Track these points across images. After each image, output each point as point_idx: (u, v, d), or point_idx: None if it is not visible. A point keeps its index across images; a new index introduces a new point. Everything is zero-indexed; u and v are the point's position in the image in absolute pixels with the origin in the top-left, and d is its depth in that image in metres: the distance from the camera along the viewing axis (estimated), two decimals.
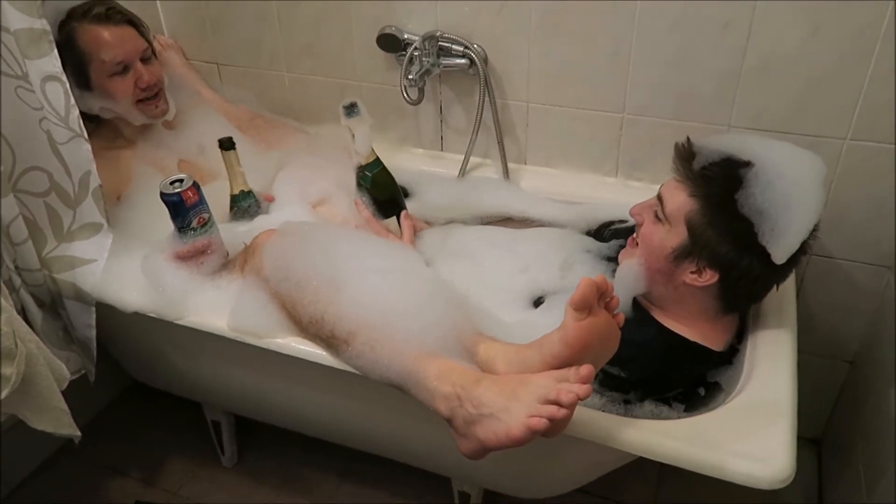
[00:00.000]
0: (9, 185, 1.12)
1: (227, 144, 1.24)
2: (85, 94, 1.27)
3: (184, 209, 1.06)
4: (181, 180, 1.07)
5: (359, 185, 1.24)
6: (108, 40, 1.25)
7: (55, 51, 1.03)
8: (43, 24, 1.01)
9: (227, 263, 1.17)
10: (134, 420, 1.69)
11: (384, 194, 1.25)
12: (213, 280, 1.15)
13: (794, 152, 1.03)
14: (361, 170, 1.22)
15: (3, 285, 1.00)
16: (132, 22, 1.30)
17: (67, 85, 1.05)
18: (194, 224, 1.08)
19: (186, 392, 1.46)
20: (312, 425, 1.33)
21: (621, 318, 0.87)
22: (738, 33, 1.21)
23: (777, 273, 0.99)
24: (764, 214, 0.95)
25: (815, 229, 0.98)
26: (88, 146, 1.11)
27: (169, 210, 1.07)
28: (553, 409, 0.76)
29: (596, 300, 0.81)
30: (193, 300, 1.13)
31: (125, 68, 1.28)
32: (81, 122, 1.08)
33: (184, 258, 1.10)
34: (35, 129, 1.13)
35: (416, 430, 1.14)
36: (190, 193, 1.06)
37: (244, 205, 1.28)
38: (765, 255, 0.96)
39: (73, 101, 1.06)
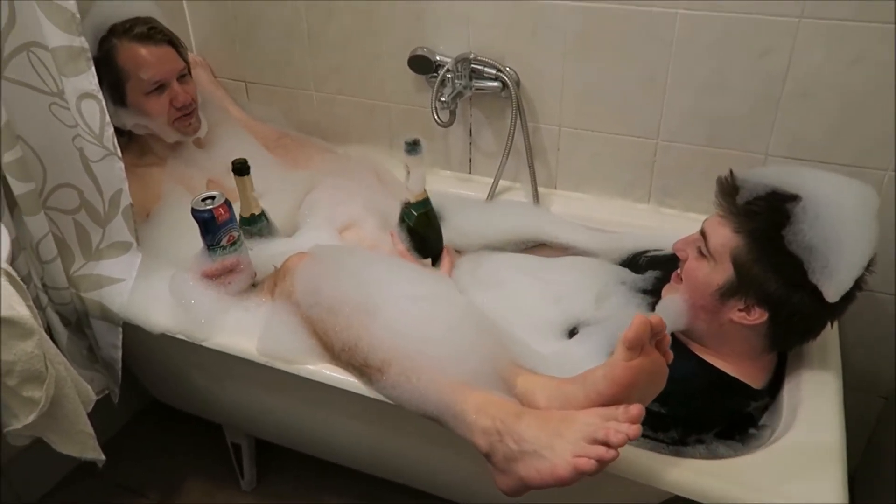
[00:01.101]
0: (39, 203, 1.12)
1: (242, 170, 1.17)
2: (119, 110, 1.27)
3: (215, 226, 1.05)
4: (213, 197, 1.06)
5: (402, 220, 1.21)
6: (148, 59, 1.25)
7: (92, 68, 1.02)
8: (82, 42, 1.00)
9: (256, 285, 1.16)
10: (152, 440, 1.66)
11: (426, 235, 1.22)
12: (241, 302, 1.13)
13: (843, 183, 0.99)
14: (408, 207, 1.19)
15: (36, 305, 0.99)
16: (172, 42, 1.31)
17: (103, 103, 1.04)
18: (224, 242, 1.07)
19: (208, 413, 1.44)
20: (336, 451, 1.30)
21: (671, 356, 0.84)
22: (777, 60, 1.19)
23: (830, 311, 0.96)
24: (814, 250, 0.92)
25: (871, 264, 0.95)
26: (121, 164, 1.10)
27: (200, 227, 1.06)
28: (601, 450, 0.73)
29: (648, 339, 0.79)
30: (221, 322, 1.12)
31: (162, 87, 1.28)
32: (115, 140, 1.07)
33: (212, 276, 1.09)
34: (68, 147, 1.12)
35: (446, 462, 1.11)
36: (221, 210, 1.05)
37: (255, 228, 1.24)
38: (816, 293, 0.93)
39: (108, 118, 1.06)
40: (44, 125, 1.09)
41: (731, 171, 1.02)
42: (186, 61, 1.33)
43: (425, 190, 1.19)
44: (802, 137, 1.24)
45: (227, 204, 1.06)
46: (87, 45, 1.01)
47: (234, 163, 1.16)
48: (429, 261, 1.21)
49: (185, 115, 1.32)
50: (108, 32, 1.25)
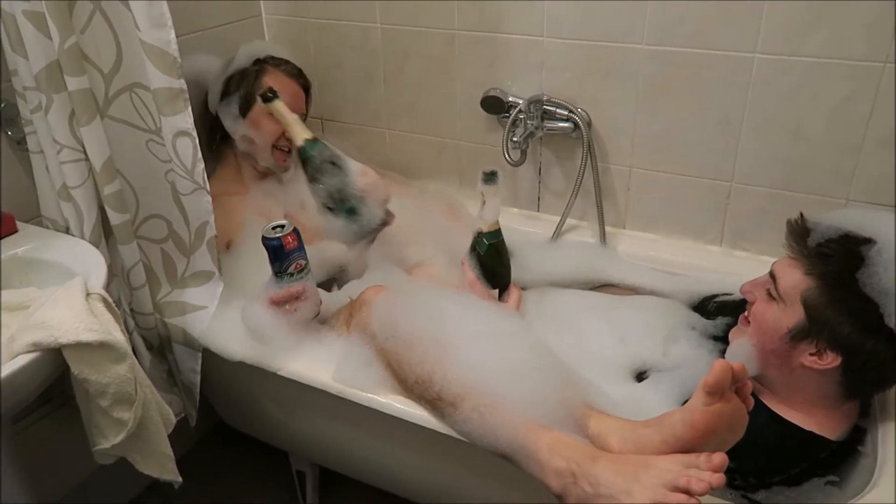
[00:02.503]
0: (132, 232, 1.18)
1: (267, 96, 1.25)
2: (239, 119, 1.39)
3: (283, 254, 1.08)
4: (282, 226, 1.09)
5: (473, 249, 1.22)
6: (288, 88, 1.42)
7: (189, 108, 1.09)
8: (181, 84, 1.07)
9: (327, 318, 1.19)
10: (218, 463, 1.70)
11: (496, 265, 1.22)
12: (316, 334, 1.16)
13: None
14: (480, 236, 1.20)
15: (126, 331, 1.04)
16: (307, 89, 1.49)
17: (197, 140, 1.10)
18: (291, 269, 1.10)
19: (275, 440, 1.47)
20: (400, 484, 1.31)
21: (751, 403, 0.82)
22: (860, 106, 1.18)
23: None
24: (890, 294, 0.90)
25: None
26: (209, 198, 1.16)
27: (269, 254, 1.09)
28: (682, 498, 0.72)
29: (729, 385, 0.78)
30: (295, 352, 1.15)
31: None
32: (205, 175, 1.13)
33: (278, 303, 1.11)
34: (160, 180, 1.19)
35: (512, 501, 1.10)
36: (290, 239, 1.08)
37: (313, 153, 1.20)
38: (892, 337, 0.90)
39: (199, 155, 1.12)
40: (141, 160, 1.17)
41: (802, 214, 1.01)
42: (308, 111, 1.51)
43: (498, 221, 1.20)
44: (884, 184, 1.21)
45: (296, 233, 1.10)
46: (185, 87, 1.08)
47: (260, 94, 1.25)
48: (496, 292, 1.22)
49: (286, 150, 1.43)
50: (264, 58, 1.44)
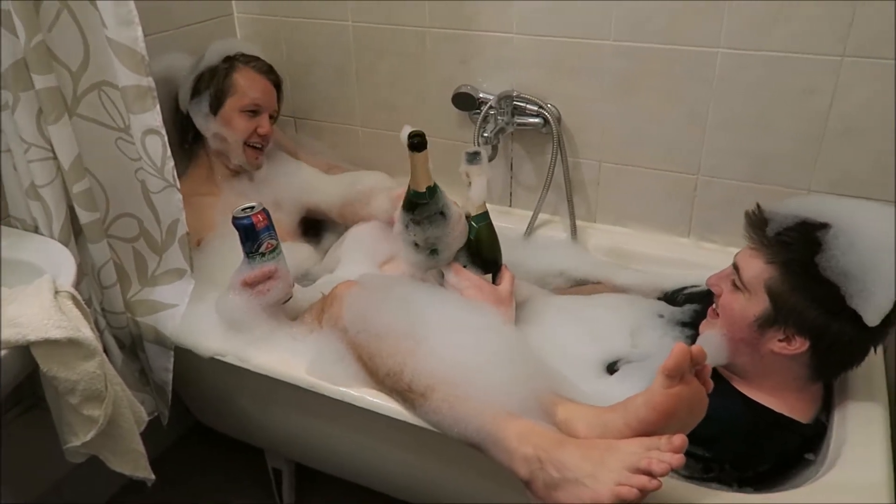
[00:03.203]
0: (102, 231, 1.18)
1: (415, 144, 1.05)
2: (210, 116, 1.40)
3: (254, 233, 1.08)
4: (252, 206, 1.10)
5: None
6: (259, 85, 1.43)
7: (157, 107, 1.09)
8: (149, 82, 1.07)
9: (300, 314, 1.19)
10: (194, 462, 1.70)
11: (486, 248, 1.18)
12: (288, 329, 1.17)
13: (871, 209, 1.01)
14: (468, 219, 1.15)
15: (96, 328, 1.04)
16: (279, 86, 1.49)
17: (166, 138, 1.11)
18: (263, 249, 1.10)
19: (251, 438, 1.47)
20: (377, 478, 1.32)
21: (710, 385, 0.84)
22: (820, 99, 1.21)
23: (872, 335, 0.95)
24: (849, 276, 0.92)
25: None
26: (180, 196, 1.16)
27: (240, 234, 1.09)
28: (644, 480, 0.74)
29: (688, 368, 0.80)
30: (267, 346, 1.15)
31: (255, 112, 1.42)
32: (175, 173, 1.13)
33: (251, 284, 1.11)
34: (131, 178, 1.19)
35: (486, 490, 1.12)
36: (260, 217, 1.09)
37: (430, 200, 1.06)
38: (856, 318, 0.93)
39: (169, 153, 1.12)
40: (110, 158, 1.16)
41: (758, 205, 1.03)
42: (279, 109, 1.51)
43: (485, 203, 1.16)
44: (846, 174, 1.24)
45: (266, 212, 1.10)
46: (153, 85, 1.08)
47: (411, 137, 1.05)
48: (489, 276, 1.18)
49: (259, 147, 1.44)
50: (234, 55, 1.43)
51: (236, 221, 1.08)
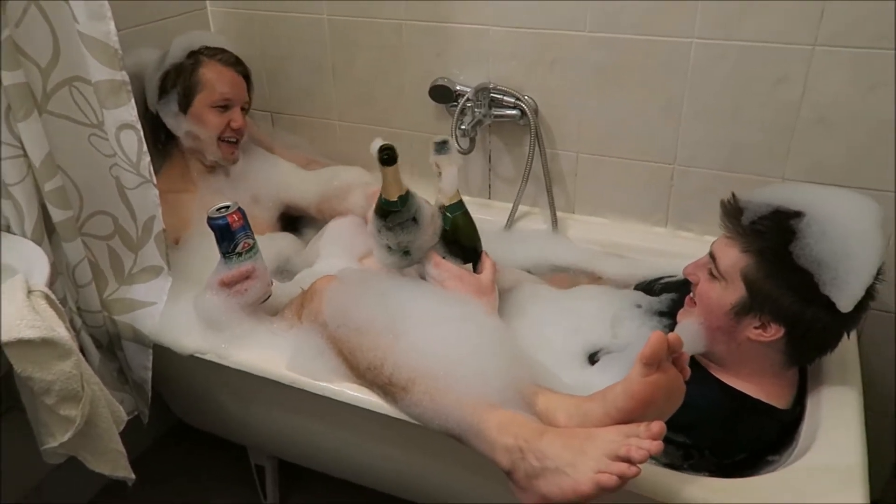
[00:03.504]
0: (76, 229, 1.16)
1: (390, 159, 1.04)
2: (181, 115, 1.37)
3: (230, 233, 1.08)
4: (227, 206, 1.09)
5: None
6: (227, 79, 1.39)
7: (132, 101, 1.08)
8: (123, 76, 1.05)
9: (279, 309, 1.19)
10: (176, 462, 1.69)
11: (463, 237, 1.17)
12: (268, 325, 1.16)
13: (843, 197, 1.02)
14: (443, 210, 1.15)
15: (71, 327, 1.02)
16: (247, 77, 1.45)
17: (141, 133, 1.09)
18: (239, 249, 1.09)
19: (233, 435, 1.46)
20: (360, 472, 1.32)
21: (687, 372, 0.85)
22: (792, 88, 1.22)
23: (845, 321, 0.97)
24: (822, 264, 0.94)
25: (880, 272, 0.96)
26: (156, 192, 1.15)
27: (216, 234, 1.08)
28: (623, 467, 0.74)
29: (665, 356, 0.81)
30: (247, 343, 1.14)
31: (226, 107, 1.39)
32: (151, 168, 1.12)
33: (229, 284, 1.10)
34: (104, 175, 1.17)
35: (470, 482, 1.12)
36: (236, 217, 1.08)
37: (402, 209, 1.06)
38: (830, 305, 0.94)
39: (145, 148, 1.11)
40: (83, 155, 1.14)
41: (734, 194, 1.04)
42: (251, 99, 1.46)
43: (458, 191, 1.15)
44: (818, 162, 1.26)
45: (241, 212, 1.09)
46: (127, 79, 1.06)
47: (381, 152, 1.04)
48: (470, 266, 1.17)
49: (233, 141, 1.42)
50: (198, 49, 1.39)
51: (212, 222, 1.07)
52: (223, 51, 1.42)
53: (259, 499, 1.55)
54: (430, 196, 1.14)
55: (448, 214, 1.15)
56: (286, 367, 1.10)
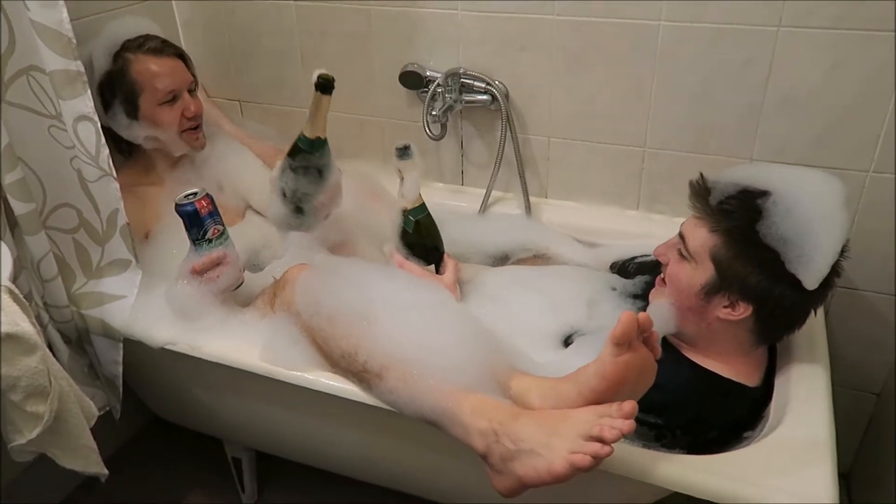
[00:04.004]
0: (39, 222, 1.14)
1: (326, 86, 1.09)
2: (133, 123, 1.30)
3: (199, 219, 1.06)
4: (195, 193, 1.07)
5: (402, 229, 1.20)
6: (161, 71, 1.29)
7: (88, 92, 1.05)
8: (78, 66, 1.03)
9: (251, 300, 1.17)
10: (153, 457, 1.67)
11: (426, 241, 1.20)
12: (240, 315, 1.15)
13: (808, 176, 1.04)
14: (406, 213, 1.17)
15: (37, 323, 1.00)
16: (182, 56, 1.35)
17: (99, 125, 1.07)
18: (209, 235, 1.08)
19: (208, 429, 1.45)
20: (338, 462, 1.32)
21: (658, 351, 0.86)
22: (758, 70, 1.23)
23: (812, 298, 0.99)
24: (788, 242, 0.95)
25: (845, 250, 0.98)
26: (117, 185, 1.13)
27: (184, 222, 1.07)
28: (597, 447, 0.75)
29: (636, 335, 0.81)
30: (220, 334, 1.13)
31: (174, 98, 1.32)
32: (111, 161, 1.10)
33: (200, 272, 1.09)
34: (66, 168, 1.14)
35: (446, 467, 1.13)
36: (204, 203, 1.06)
37: (314, 152, 1.10)
38: (796, 282, 0.96)
39: (103, 140, 1.08)
40: (43, 147, 1.12)
41: (702, 174, 1.05)
42: (194, 75, 1.38)
43: (421, 195, 1.18)
44: (785, 142, 1.27)
45: (209, 197, 1.07)
46: (83, 69, 1.04)
47: (319, 77, 1.08)
48: (433, 267, 1.20)
49: (194, 127, 1.35)
50: (121, 48, 1.29)
51: (179, 209, 1.05)
52: (146, 38, 1.31)
53: (237, 492, 1.54)
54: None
55: (410, 217, 1.17)
56: (259, 357, 1.09)
